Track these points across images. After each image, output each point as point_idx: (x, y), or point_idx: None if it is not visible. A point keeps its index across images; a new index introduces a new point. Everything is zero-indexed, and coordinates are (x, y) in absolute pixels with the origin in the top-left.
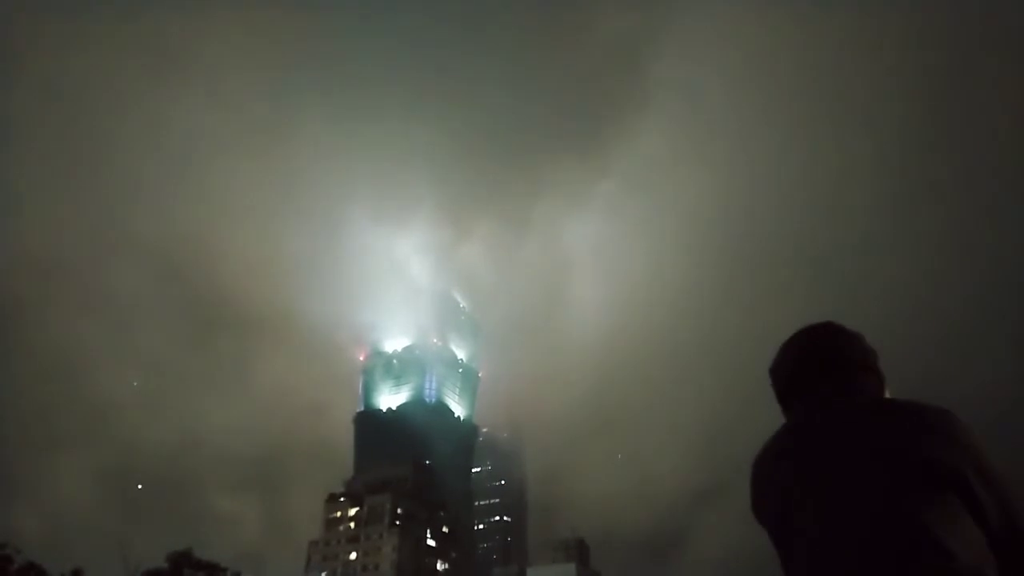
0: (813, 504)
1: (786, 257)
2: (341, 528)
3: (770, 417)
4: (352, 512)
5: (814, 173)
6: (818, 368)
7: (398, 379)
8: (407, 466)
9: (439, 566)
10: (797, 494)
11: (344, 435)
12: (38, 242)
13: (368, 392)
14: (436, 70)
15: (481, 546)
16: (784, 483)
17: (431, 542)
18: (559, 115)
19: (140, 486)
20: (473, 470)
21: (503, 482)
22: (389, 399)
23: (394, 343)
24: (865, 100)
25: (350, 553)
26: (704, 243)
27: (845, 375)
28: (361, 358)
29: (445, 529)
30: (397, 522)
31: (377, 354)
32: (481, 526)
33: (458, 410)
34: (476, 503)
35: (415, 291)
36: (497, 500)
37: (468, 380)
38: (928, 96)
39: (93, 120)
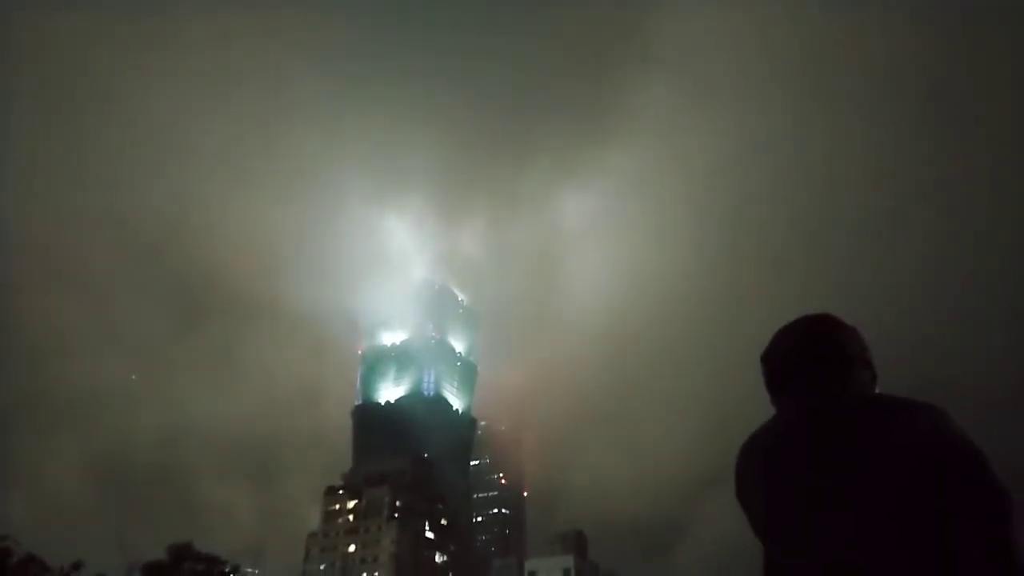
0: (805, 502)
1: (791, 235)
2: (340, 521)
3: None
4: (351, 505)
5: (821, 141)
6: (812, 360)
7: (396, 372)
8: (406, 459)
9: (438, 558)
10: (787, 490)
11: (340, 424)
12: (18, 222)
13: (366, 385)
14: (429, 42)
15: (480, 538)
16: (773, 478)
17: (430, 535)
18: (555, 84)
19: (137, 478)
20: (472, 463)
21: (501, 475)
22: (387, 392)
23: (392, 336)
24: (872, 70)
25: (349, 545)
26: (706, 219)
27: (839, 369)
28: (359, 351)
29: (444, 522)
30: (396, 515)
31: (375, 347)
32: (480, 519)
33: (456, 403)
34: (475, 496)
35: (413, 285)
36: (496, 493)
37: (466, 373)
38: (933, 78)
39: (74, 95)
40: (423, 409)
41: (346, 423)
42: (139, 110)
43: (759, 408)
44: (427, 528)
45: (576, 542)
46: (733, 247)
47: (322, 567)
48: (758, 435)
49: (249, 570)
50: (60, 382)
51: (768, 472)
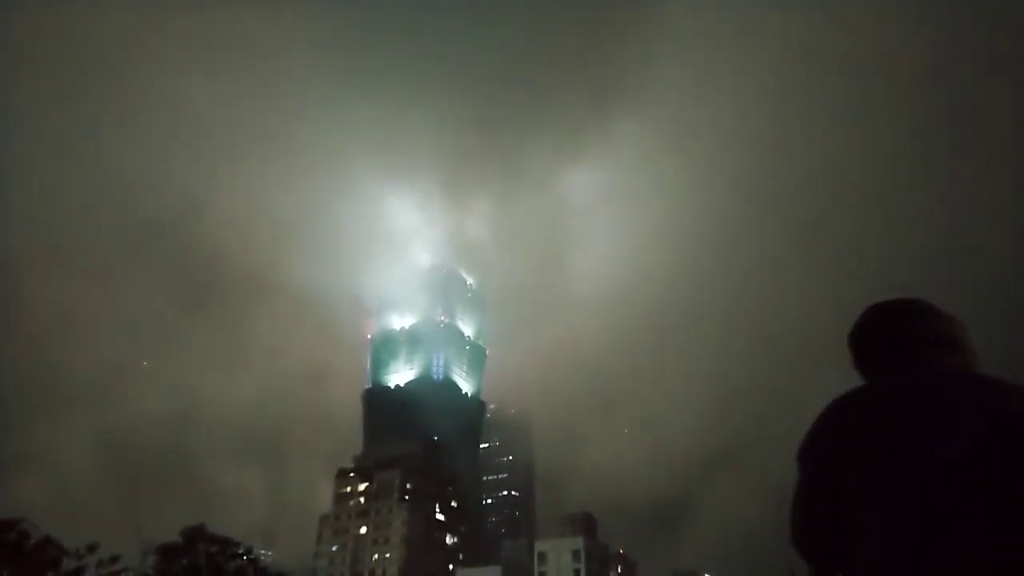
0: (919, 473)
1: (802, 213)
2: (351, 503)
3: (784, 382)
4: (362, 487)
5: (830, 116)
6: (919, 336)
7: (406, 356)
8: (416, 443)
9: (448, 540)
10: (899, 461)
11: (350, 407)
12: (20, 200)
13: (376, 369)
14: (432, 23)
15: (490, 520)
16: (878, 446)
17: (440, 517)
18: (559, 61)
19: (146, 461)
20: (481, 446)
21: (511, 457)
22: (397, 376)
23: (401, 320)
24: (877, 51)
25: (360, 528)
26: (714, 197)
27: (945, 348)
28: (368, 335)
29: (454, 504)
30: (406, 497)
31: (385, 331)
32: (489, 501)
33: (465, 387)
34: (484, 478)
35: (421, 268)
36: (505, 475)
37: (475, 357)
38: (941, 58)
39: (78, 74)
40: (433, 393)
41: (356, 406)
42: (144, 89)
43: (767, 387)
44: (437, 510)
45: (585, 524)
46: (742, 225)
47: (334, 549)
48: (859, 399)
49: (262, 552)
50: (66, 363)
51: (874, 441)
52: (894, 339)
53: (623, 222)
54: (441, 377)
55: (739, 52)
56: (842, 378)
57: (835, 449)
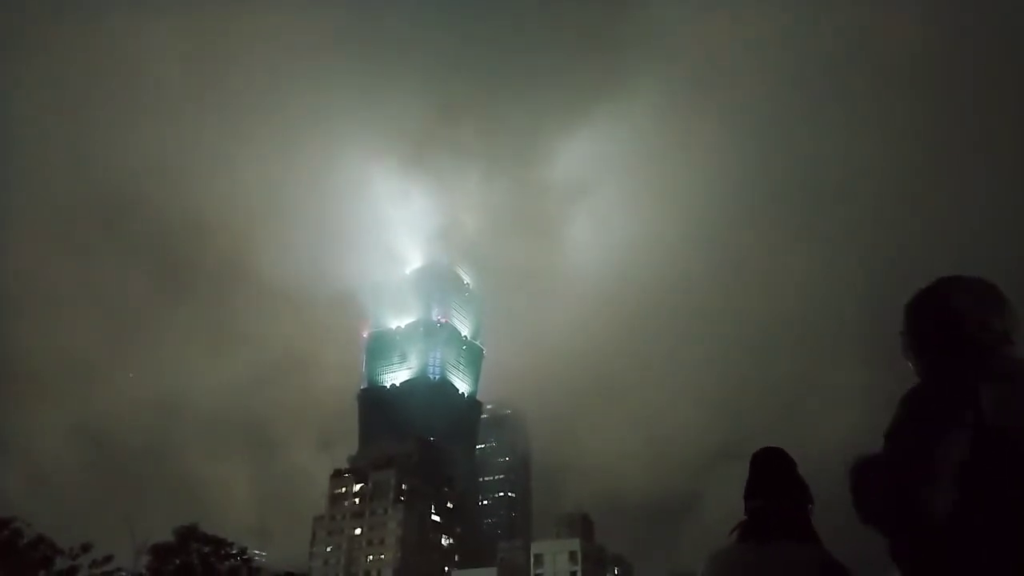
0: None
1: (806, 201)
2: (346, 504)
3: (787, 373)
4: (357, 488)
5: (852, 99)
6: (981, 330)
7: (401, 356)
8: (412, 442)
9: (444, 541)
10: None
11: (345, 406)
12: None
13: (372, 369)
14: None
15: (486, 521)
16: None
17: (436, 518)
18: (559, 23)
19: (131, 457)
20: (478, 446)
21: (508, 458)
22: (393, 376)
23: (397, 320)
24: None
25: (355, 529)
26: (713, 183)
27: (1005, 339)
28: (364, 334)
29: (450, 505)
30: (402, 498)
31: (380, 331)
32: (486, 502)
33: (462, 386)
34: (481, 479)
35: (418, 267)
36: (502, 476)
37: (472, 356)
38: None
39: (51, 46)
40: (429, 393)
41: (350, 405)
42: (120, 64)
43: (770, 379)
44: (433, 511)
45: (582, 525)
46: (744, 210)
47: (328, 549)
48: (941, 391)
49: (256, 552)
50: (41, 347)
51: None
52: (953, 326)
53: (621, 210)
54: (437, 377)
55: (751, 25)
56: (844, 377)
57: (923, 436)
